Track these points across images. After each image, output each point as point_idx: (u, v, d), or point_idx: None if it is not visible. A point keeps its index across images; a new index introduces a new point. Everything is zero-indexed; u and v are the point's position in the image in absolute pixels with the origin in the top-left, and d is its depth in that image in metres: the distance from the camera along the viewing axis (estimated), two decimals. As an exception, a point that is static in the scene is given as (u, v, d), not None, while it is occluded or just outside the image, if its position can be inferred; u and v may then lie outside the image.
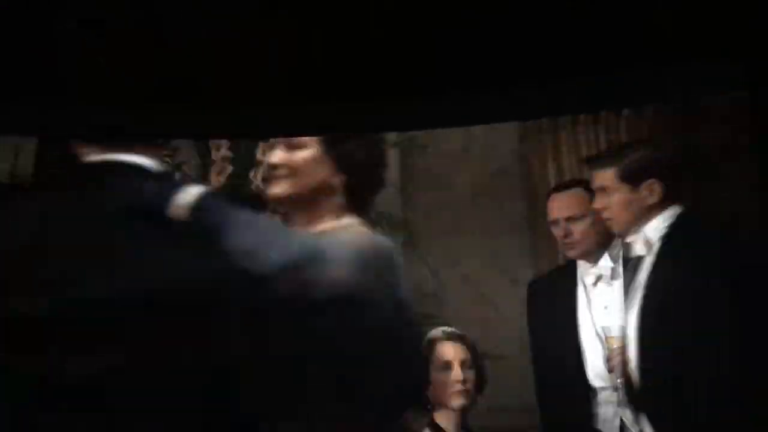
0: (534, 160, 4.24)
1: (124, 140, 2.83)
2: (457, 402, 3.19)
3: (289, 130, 3.22)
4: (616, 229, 3.02)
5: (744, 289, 2.77)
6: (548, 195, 3.20)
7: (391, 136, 4.15)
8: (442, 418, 3.20)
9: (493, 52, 2.98)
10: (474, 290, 3.77)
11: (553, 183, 4.13)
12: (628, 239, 3.00)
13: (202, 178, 3.94)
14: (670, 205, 2.95)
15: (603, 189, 2.99)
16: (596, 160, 3.09)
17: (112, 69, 2.89)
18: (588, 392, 2.98)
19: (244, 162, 3.70)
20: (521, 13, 2.89)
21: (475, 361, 3.22)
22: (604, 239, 3.09)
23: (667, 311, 2.82)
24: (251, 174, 3.85)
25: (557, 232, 3.11)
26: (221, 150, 3.83)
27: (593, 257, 3.08)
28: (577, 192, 3.09)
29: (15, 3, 2.72)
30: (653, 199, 2.94)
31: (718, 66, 2.86)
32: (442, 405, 3.22)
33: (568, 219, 3.06)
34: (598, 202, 3.01)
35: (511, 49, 2.95)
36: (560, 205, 3.10)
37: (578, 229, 3.05)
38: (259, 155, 3.98)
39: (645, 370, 2.85)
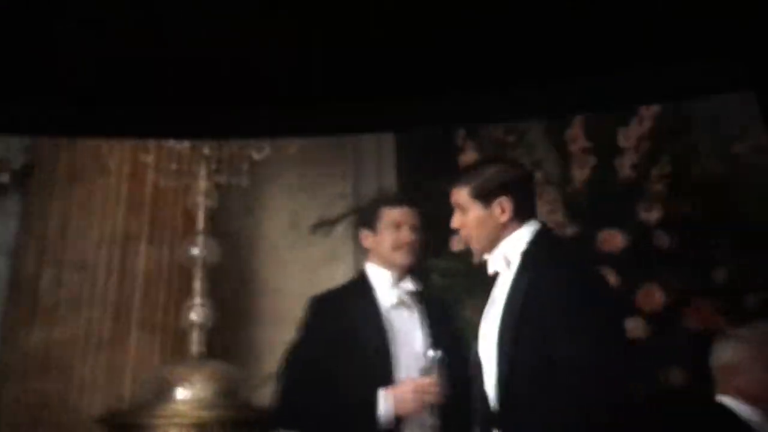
0: None
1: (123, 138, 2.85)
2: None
3: (289, 130, 3.23)
4: (474, 246, 3.05)
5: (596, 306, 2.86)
6: None
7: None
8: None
9: (493, 52, 2.98)
10: None
11: None
12: (486, 257, 3.03)
13: (562, 174, 3.87)
14: (525, 221, 2.94)
15: (460, 207, 3.04)
16: (453, 178, 3.15)
17: (112, 69, 2.89)
18: None
19: (609, 151, 3.63)
20: (521, 13, 2.90)
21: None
22: None
23: (524, 325, 2.86)
24: (616, 162, 3.72)
25: None
26: (578, 141, 3.78)
27: None
28: None
29: (15, 3, 2.72)
30: (505, 217, 2.94)
31: (718, 66, 2.86)
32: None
33: None
34: (456, 221, 3.09)
35: (511, 49, 2.96)
36: None
37: None
38: (621, 142, 3.89)
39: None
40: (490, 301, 3.05)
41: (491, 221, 3.01)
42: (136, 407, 4.05)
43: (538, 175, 3.85)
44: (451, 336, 3.33)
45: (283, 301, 3.91)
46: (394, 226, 3.36)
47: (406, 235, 3.36)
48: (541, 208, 3.62)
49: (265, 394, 3.42)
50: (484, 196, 3.01)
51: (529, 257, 2.95)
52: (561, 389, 2.74)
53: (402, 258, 3.34)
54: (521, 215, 3.02)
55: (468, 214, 3.03)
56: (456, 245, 3.74)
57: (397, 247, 3.34)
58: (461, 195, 3.04)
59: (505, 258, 3.00)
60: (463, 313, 3.63)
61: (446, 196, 3.23)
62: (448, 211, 3.29)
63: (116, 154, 4.22)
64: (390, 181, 4.03)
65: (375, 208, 3.41)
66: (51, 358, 4.23)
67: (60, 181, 4.32)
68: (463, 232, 3.07)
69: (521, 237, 3.00)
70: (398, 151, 4.08)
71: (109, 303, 4.30)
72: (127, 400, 4.11)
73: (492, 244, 3.02)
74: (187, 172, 4.11)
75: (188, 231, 4.24)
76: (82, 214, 4.31)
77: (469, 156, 3.99)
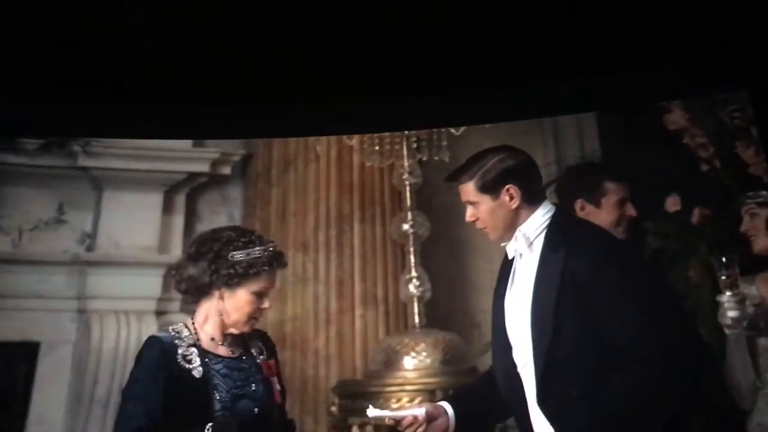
0: None
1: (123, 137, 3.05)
2: None
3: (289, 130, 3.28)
4: (492, 235, 3.07)
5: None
6: None
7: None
8: None
9: (493, 51, 2.90)
10: None
11: None
12: (504, 243, 3.05)
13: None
14: (537, 203, 3.01)
15: (470, 202, 3.05)
16: (455, 176, 3.11)
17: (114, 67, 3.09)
18: None
19: None
20: (521, 13, 2.80)
21: None
22: None
23: (566, 301, 2.90)
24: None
25: None
26: None
27: None
28: None
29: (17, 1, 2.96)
30: (516, 203, 2.99)
31: (718, 65, 2.62)
32: None
33: None
34: (470, 214, 3.08)
35: (511, 49, 2.86)
36: None
37: None
38: None
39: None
40: (509, 283, 3.08)
41: (503, 209, 3.03)
42: (368, 376, 4.32)
43: (755, 132, 3.57)
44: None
45: (494, 269, 3.99)
46: (620, 203, 3.38)
47: (631, 212, 3.37)
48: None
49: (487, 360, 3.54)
50: (491, 187, 3.03)
51: (556, 236, 2.99)
52: (611, 365, 2.80)
53: (620, 235, 3.35)
54: (531, 198, 3.03)
55: (480, 207, 3.04)
56: (671, 206, 3.59)
57: (617, 225, 3.35)
58: (469, 191, 3.06)
59: (527, 239, 3.02)
60: (686, 274, 3.48)
61: (651, 156, 3.32)
62: (658, 168, 3.33)
63: (323, 140, 4.46)
64: (592, 146, 3.92)
65: (597, 180, 3.41)
66: (286, 332, 4.57)
67: (275, 168, 4.65)
68: (478, 224, 3.06)
69: (539, 218, 3.03)
70: (599, 115, 3.94)
71: (332, 280, 4.57)
72: (358, 370, 4.39)
73: (509, 231, 3.05)
74: (390, 151, 4.28)
75: (397, 207, 4.42)
76: (298, 198, 4.62)
77: (676, 115, 3.75)
